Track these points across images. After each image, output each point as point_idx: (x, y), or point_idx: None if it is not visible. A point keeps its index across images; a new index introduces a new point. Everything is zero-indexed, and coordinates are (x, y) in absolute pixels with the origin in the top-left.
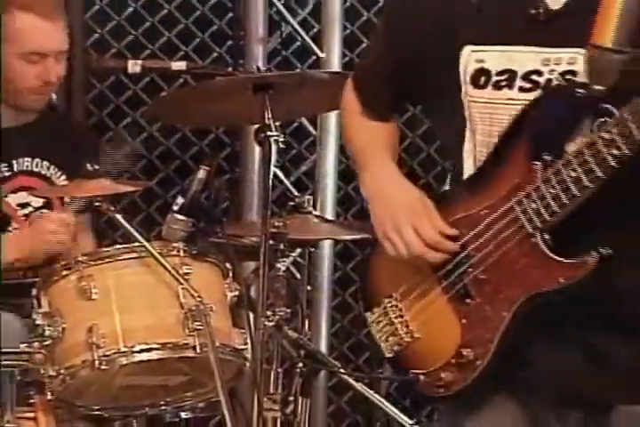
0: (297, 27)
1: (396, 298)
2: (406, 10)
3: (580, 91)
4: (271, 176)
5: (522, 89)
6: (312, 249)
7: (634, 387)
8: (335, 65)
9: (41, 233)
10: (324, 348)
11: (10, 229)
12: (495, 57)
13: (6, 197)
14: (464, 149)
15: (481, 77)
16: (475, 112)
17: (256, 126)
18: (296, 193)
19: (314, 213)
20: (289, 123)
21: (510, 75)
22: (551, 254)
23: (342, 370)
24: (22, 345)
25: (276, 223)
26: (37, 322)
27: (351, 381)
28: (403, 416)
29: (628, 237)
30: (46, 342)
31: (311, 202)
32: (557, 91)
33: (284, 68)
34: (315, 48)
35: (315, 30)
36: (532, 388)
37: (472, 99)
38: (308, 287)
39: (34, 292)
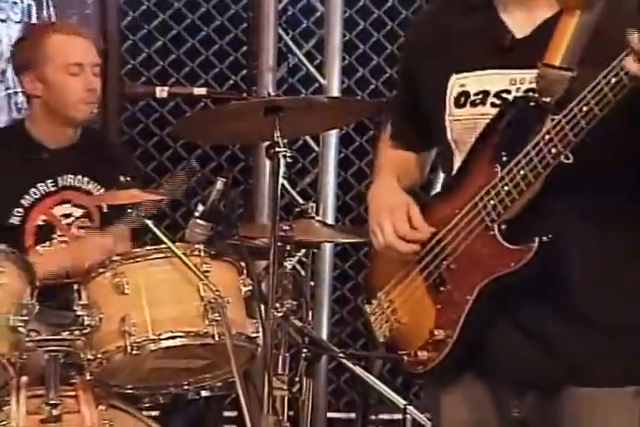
0: (302, 58)
1: (388, 290)
2: (415, 37)
3: (532, 102)
4: (279, 186)
5: (493, 105)
6: (315, 250)
7: (579, 370)
8: (335, 91)
9: (82, 252)
10: (325, 335)
11: (55, 235)
12: (473, 81)
13: (52, 208)
14: (454, 162)
15: (461, 98)
16: (458, 129)
17: (266, 143)
18: (301, 201)
19: (316, 218)
20: (295, 140)
21: (484, 94)
22: (504, 243)
23: (341, 354)
24: (65, 333)
25: (284, 227)
26: (78, 313)
27: (349, 364)
28: (394, 395)
29: (578, 226)
30: (85, 331)
31: (314, 209)
32: (514, 103)
33: (291, 94)
34: (318, 76)
35: (318, 61)
36: (493, 369)
37: (454, 117)
38: (312, 283)
39: (75, 287)
